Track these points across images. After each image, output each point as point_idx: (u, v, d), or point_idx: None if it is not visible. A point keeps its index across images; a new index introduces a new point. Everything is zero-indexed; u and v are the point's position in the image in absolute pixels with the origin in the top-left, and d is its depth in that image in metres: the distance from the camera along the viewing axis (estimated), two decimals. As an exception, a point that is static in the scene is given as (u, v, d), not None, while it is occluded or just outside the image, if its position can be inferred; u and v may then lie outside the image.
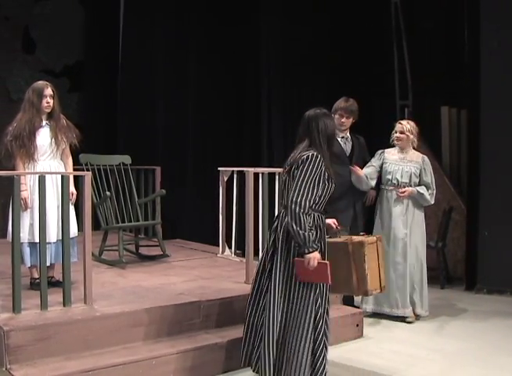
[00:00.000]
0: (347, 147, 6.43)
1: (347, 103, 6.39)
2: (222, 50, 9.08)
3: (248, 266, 5.88)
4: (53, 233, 5.15)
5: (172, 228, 8.73)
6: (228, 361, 4.85)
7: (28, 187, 5.17)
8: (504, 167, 7.47)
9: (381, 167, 6.42)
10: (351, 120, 6.44)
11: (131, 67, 9.61)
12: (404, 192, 6.26)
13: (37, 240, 5.08)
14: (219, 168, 7.21)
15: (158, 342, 4.78)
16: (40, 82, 5.42)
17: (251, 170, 6.00)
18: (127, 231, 7.70)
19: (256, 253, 6.11)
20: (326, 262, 4.19)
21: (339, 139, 6.27)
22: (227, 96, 9.27)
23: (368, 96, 8.43)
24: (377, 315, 6.40)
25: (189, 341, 4.83)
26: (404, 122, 6.46)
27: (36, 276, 5.32)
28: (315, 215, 4.22)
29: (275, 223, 4.36)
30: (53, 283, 5.26)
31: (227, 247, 7.38)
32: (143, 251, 7.37)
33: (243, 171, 6.23)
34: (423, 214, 6.44)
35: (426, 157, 6.48)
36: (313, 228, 4.17)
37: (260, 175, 6.15)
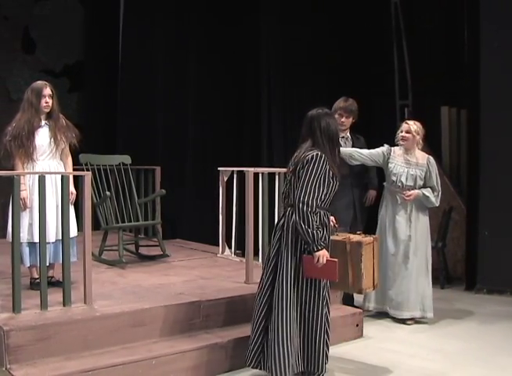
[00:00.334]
0: (347, 147, 6.42)
1: (347, 102, 6.40)
2: (222, 50, 9.08)
3: (248, 266, 5.88)
4: (52, 233, 5.14)
5: (172, 228, 8.74)
6: (228, 361, 4.86)
7: (27, 187, 5.17)
8: (504, 167, 7.46)
9: (386, 162, 6.34)
10: (350, 119, 6.45)
11: (131, 67, 9.61)
12: (410, 196, 6.18)
13: (36, 239, 5.08)
14: (219, 168, 7.20)
15: (158, 342, 4.78)
16: (39, 82, 5.43)
17: (251, 170, 6.00)
18: (127, 231, 7.69)
19: (256, 253, 6.12)
20: (334, 260, 4.27)
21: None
22: (227, 96, 9.27)
23: (368, 96, 8.44)
24: (379, 314, 6.41)
25: (189, 341, 4.83)
26: (411, 122, 6.35)
27: (36, 275, 5.32)
28: (322, 212, 4.35)
29: (282, 221, 4.46)
30: (53, 283, 5.25)
31: (227, 247, 7.37)
32: (143, 251, 7.37)
33: (243, 171, 6.22)
34: (427, 216, 6.38)
35: (431, 158, 6.37)
36: (320, 226, 4.28)
37: (260, 175, 6.15)
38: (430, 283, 6.33)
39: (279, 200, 6.22)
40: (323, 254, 4.20)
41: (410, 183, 6.23)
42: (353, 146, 6.47)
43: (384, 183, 6.45)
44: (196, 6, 9.12)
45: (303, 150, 4.38)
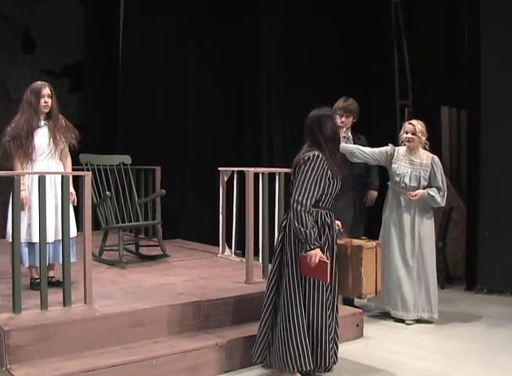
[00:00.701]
0: None
1: (346, 102, 6.40)
2: (222, 50, 9.08)
3: (248, 266, 5.88)
4: (51, 234, 5.14)
5: (172, 228, 8.74)
6: (228, 361, 4.85)
7: (26, 187, 5.16)
8: (504, 167, 7.45)
9: (390, 161, 6.33)
10: (350, 119, 6.45)
11: (131, 67, 9.61)
12: (415, 195, 6.13)
13: (34, 240, 5.10)
14: (219, 168, 7.20)
15: (158, 342, 4.78)
16: (38, 82, 5.44)
17: (251, 170, 5.99)
18: (127, 231, 7.70)
19: (256, 253, 6.11)
20: (326, 260, 4.28)
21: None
22: (227, 96, 9.27)
23: (368, 96, 8.42)
24: (380, 314, 6.42)
25: (189, 341, 4.83)
26: (415, 122, 6.28)
27: (36, 276, 5.32)
28: (323, 212, 4.43)
29: (284, 222, 4.56)
30: (53, 283, 5.26)
31: (227, 247, 7.38)
32: (143, 251, 7.37)
33: (243, 171, 6.22)
34: (432, 217, 6.34)
35: (436, 158, 6.32)
36: (316, 226, 4.36)
37: (260, 175, 6.14)
38: (436, 283, 6.31)
39: (279, 200, 6.22)
40: (315, 254, 4.25)
41: (414, 184, 6.19)
42: None
43: (388, 183, 6.43)
44: (196, 6, 9.12)
45: (302, 151, 4.47)
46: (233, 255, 7.27)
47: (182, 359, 4.62)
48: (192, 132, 9.18)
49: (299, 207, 4.27)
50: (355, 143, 6.49)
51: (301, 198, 4.28)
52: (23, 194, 5.05)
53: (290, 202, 4.35)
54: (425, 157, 6.28)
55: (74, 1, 10.25)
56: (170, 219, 8.35)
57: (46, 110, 5.37)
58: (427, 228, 6.28)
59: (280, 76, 8.91)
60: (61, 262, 5.18)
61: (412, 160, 6.25)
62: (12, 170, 5.17)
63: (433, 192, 6.19)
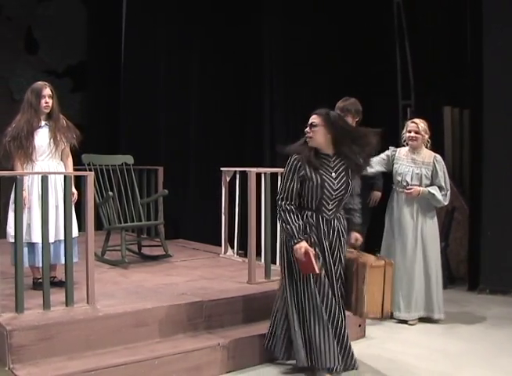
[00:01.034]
0: None
1: (345, 102, 6.37)
2: (225, 50, 9.08)
3: (251, 266, 5.87)
4: (51, 234, 5.12)
5: (175, 228, 8.74)
6: (231, 361, 4.85)
7: (26, 187, 5.17)
8: (507, 167, 7.44)
9: (392, 163, 6.32)
10: (349, 119, 6.39)
11: (133, 67, 9.61)
12: (410, 189, 6.12)
13: (34, 240, 5.11)
14: (222, 168, 7.20)
15: (160, 342, 4.79)
16: (39, 83, 5.44)
17: (254, 170, 5.99)
18: (129, 231, 7.71)
19: (258, 253, 6.11)
20: (311, 251, 4.34)
21: None
22: (229, 96, 9.26)
23: (370, 96, 8.41)
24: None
25: (191, 341, 4.83)
26: (417, 121, 6.26)
27: (38, 276, 5.33)
28: (308, 213, 4.49)
29: None
30: (55, 283, 5.26)
31: (229, 248, 7.38)
32: (146, 251, 7.38)
33: (245, 171, 6.22)
34: (435, 216, 6.33)
35: (438, 156, 6.30)
36: (299, 222, 4.43)
37: (262, 175, 6.14)
38: (440, 284, 6.30)
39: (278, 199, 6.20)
40: (299, 246, 4.35)
41: (415, 182, 6.16)
42: None
43: (393, 185, 6.41)
44: (199, 6, 9.11)
45: None
46: (236, 255, 7.27)
47: (184, 359, 4.62)
48: (195, 132, 9.18)
49: (277, 206, 4.51)
50: None
51: (277, 198, 4.53)
52: (23, 194, 5.06)
53: None
54: (427, 155, 6.27)
55: (77, 1, 10.26)
56: (172, 219, 8.35)
57: (47, 111, 5.37)
58: (429, 228, 6.25)
59: (282, 76, 8.91)
60: (62, 262, 5.22)
61: (415, 159, 6.24)
62: (12, 170, 5.18)
63: (433, 190, 6.15)
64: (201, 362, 4.70)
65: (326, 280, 4.48)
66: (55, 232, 5.18)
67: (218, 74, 9.15)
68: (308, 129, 4.54)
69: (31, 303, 4.77)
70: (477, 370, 4.97)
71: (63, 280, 4.99)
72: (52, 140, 5.34)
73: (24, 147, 5.23)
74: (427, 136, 6.25)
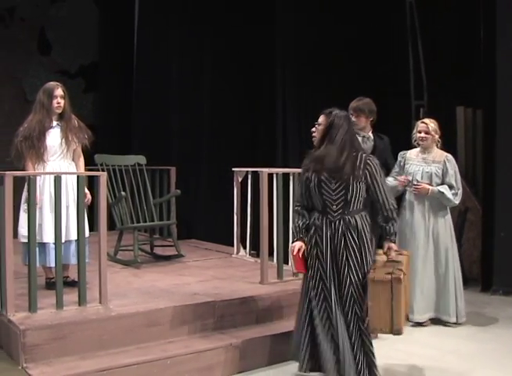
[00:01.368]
0: (366, 147, 6.31)
1: (358, 102, 6.34)
2: (237, 50, 9.08)
3: (263, 267, 5.87)
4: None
5: (187, 228, 8.75)
6: (243, 361, 4.85)
7: (38, 187, 5.18)
8: (520, 167, 7.41)
9: (403, 166, 6.29)
10: (362, 119, 6.36)
11: (145, 68, 9.63)
12: (418, 186, 6.09)
13: (45, 240, 5.13)
14: (234, 169, 7.21)
15: (173, 342, 4.79)
16: (51, 83, 5.46)
17: (265, 170, 5.99)
18: (142, 231, 7.72)
19: (271, 253, 6.11)
20: (301, 250, 4.39)
21: (359, 139, 6.20)
22: (241, 96, 9.26)
23: (383, 96, 8.39)
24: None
25: (203, 341, 4.83)
26: (427, 121, 6.23)
27: (51, 275, 5.35)
28: (316, 215, 4.43)
29: None
30: (68, 283, 5.28)
31: (242, 248, 7.38)
32: (158, 251, 7.39)
33: (257, 171, 6.22)
34: (448, 215, 6.27)
35: (449, 156, 6.25)
36: (300, 222, 4.47)
37: (274, 175, 6.13)
38: (457, 284, 6.19)
39: (293, 201, 6.19)
40: (293, 246, 4.42)
41: (425, 181, 6.13)
42: (375, 146, 6.35)
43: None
44: (211, 7, 9.12)
45: None
46: (248, 256, 7.28)
47: (196, 359, 4.63)
48: (207, 132, 9.19)
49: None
50: (376, 144, 6.40)
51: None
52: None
53: None
54: (439, 154, 6.23)
55: (89, 2, 10.32)
56: (185, 219, 8.36)
57: (59, 111, 5.39)
58: (442, 228, 6.20)
59: (295, 75, 8.88)
60: (71, 262, 5.25)
61: (425, 158, 6.21)
62: (23, 170, 5.20)
63: (443, 188, 6.10)
64: (213, 362, 4.71)
65: (322, 283, 4.35)
66: (66, 232, 5.18)
67: (230, 74, 9.15)
68: (313, 128, 4.53)
69: (44, 303, 4.79)
70: (489, 371, 4.94)
71: (76, 279, 5.00)
72: (63, 140, 5.36)
73: (36, 147, 5.24)
74: (437, 136, 6.22)
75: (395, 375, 4.87)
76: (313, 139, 4.53)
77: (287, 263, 6.10)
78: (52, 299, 4.77)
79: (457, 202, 6.22)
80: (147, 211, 7.31)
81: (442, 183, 6.16)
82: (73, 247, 5.25)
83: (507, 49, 7.43)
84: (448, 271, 6.17)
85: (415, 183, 6.14)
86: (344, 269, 4.29)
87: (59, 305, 4.72)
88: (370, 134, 6.45)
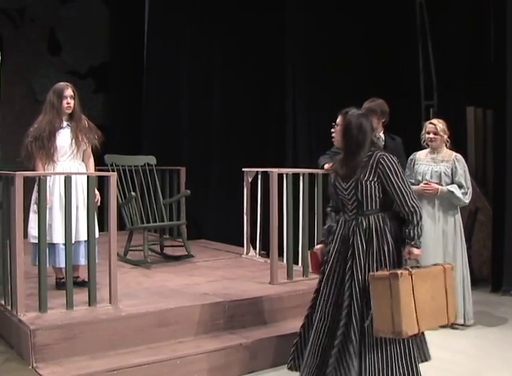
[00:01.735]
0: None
1: (371, 103, 6.32)
2: (247, 50, 9.07)
3: (273, 267, 5.87)
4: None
5: (197, 228, 8.76)
6: (253, 361, 4.85)
7: (48, 187, 5.19)
8: (531, 167, 7.38)
9: (413, 168, 6.27)
10: (374, 119, 6.31)
11: (155, 68, 9.66)
12: (428, 185, 6.06)
13: (54, 240, 5.14)
14: (243, 169, 7.21)
15: (183, 342, 4.80)
16: (60, 83, 5.46)
17: (275, 170, 5.98)
18: (152, 231, 7.75)
19: (281, 254, 6.10)
20: (317, 253, 4.49)
21: None
22: (252, 96, 9.25)
23: (393, 96, 8.37)
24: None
25: (213, 342, 4.83)
26: (435, 121, 6.22)
27: (61, 275, 5.36)
28: (339, 214, 4.40)
29: None
30: (78, 283, 5.28)
31: (251, 248, 7.38)
32: (168, 251, 7.40)
33: (267, 171, 6.22)
34: (457, 214, 6.23)
35: (459, 155, 6.22)
36: (328, 224, 4.52)
37: (284, 175, 6.13)
38: (468, 287, 6.15)
39: (303, 201, 6.19)
40: (314, 248, 4.56)
41: (435, 180, 6.08)
42: (385, 147, 6.33)
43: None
44: (222, 6, 9.12)
45: None
46: (258, 256, 7.27)
47: (206, 359, 4.63)
48: (217, 133, 9.19)
49: None
50: (387, 144, 6.38)
51: None
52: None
53: None
54: (448, 154, 6.21)
55: (99, 2, 10.34)
56: (194, 220, 8.38)
57: (68, 111, 5.40)
58: (451, 228, 6.18)
59: (305, 75, 8.87)
60: (80, 263, 5.26)
61: (435, 158, 6.20)
62: (33, 170, 5.21)
63: (452, 188, 6.06)
64: (223, 362, 4.71)
65: (324, 283, 4.28)
66: (75, 233, 5.18)
67: (240, 74, 9.15)
68: (332, 129, 4.54)
69: (54, 303, 4.80)
70: (498, 372, 4.91)
71: (86, 279, 5.01)
72: (73, 141, 5.36)
73: (46, 148, 5.25)
74: (446, 136, 6.20)
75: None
76: (333, 140, 4.53)
77: (297, 263, 6.10)
78: (62, 299, 4.78)
79: (467, 201, 6.20)
80: (157, 211, 7.32)
81: (452, 183, 6.15)
82: (82, 247, 5.25)
83: (518, 49, 7.40)
84: (455, 272, 6.14)
85: (424, 183, 6.13)
86: (348, 271, 4.18)
87: (69, 305, 4.73)
88: (381, 134, 6.44)
